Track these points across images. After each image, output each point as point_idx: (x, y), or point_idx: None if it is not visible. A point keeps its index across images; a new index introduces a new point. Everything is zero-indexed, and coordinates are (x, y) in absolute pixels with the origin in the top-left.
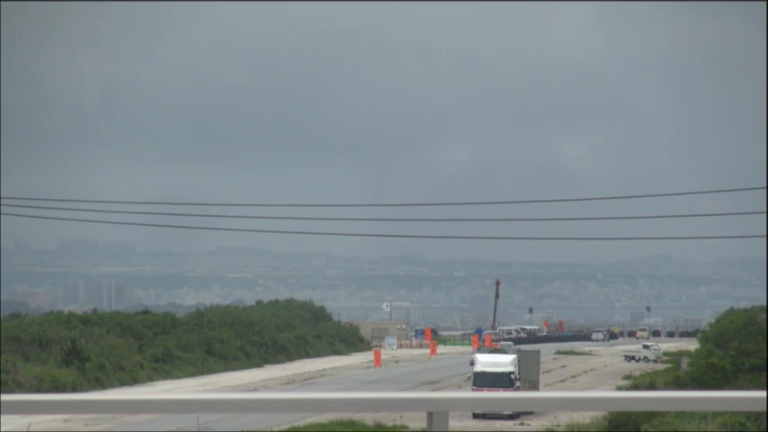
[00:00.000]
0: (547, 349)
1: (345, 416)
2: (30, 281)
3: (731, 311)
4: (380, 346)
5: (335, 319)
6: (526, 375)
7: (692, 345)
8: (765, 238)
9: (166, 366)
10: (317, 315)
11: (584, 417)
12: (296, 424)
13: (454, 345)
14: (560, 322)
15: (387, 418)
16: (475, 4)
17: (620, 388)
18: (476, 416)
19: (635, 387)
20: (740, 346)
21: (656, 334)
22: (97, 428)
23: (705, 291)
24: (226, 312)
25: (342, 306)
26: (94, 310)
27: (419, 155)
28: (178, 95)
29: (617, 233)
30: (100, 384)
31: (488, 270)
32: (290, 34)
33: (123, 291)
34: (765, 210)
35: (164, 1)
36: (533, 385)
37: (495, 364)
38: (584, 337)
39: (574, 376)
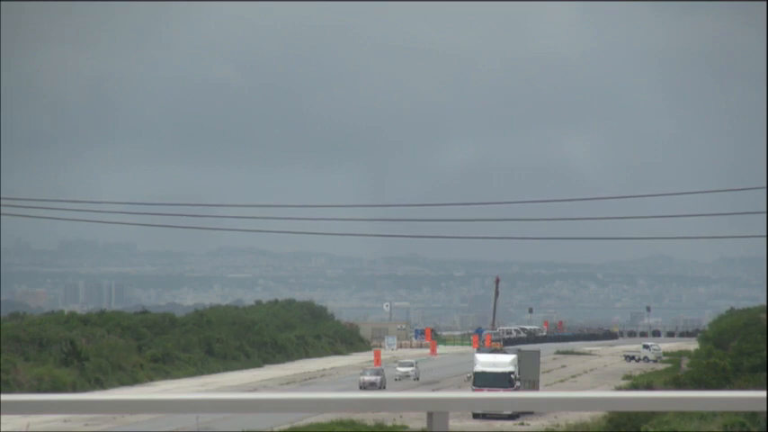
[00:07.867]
0: (547, 349)
1: (345, 416)
2: (30, 281)
3: (731, 311)
4: (380, 346)
5: (335, 319)
6: (526, 375)
7: (692, 345)
8: (765, 238)
9: (166, 366)
10: (317, 315)
11: (584, 417)
12: (296, 424)
13: (454, 344)
14: (560, 322)
15: (387, 418)
16: (475, 4)
17: (619, 388)
18: (476, 416)
19: (635, 387)
20: (740, 346)
21: (656, 334)
22: (97, 428)
23: (705, 291)
24: (225, 312)
25: (342, 306)
26: (102, 311)
27: (419, 155)
28: (177, 95)
29: (617, 233)
30: (100, 384)
31: (488, 270)
32: (290, 34)
33: (123, 291)
34: (765, 210)
35: (170, 1)
36: (533, 385)
37: (494, 364)
38: (585, 337)
39: (574, 376)
